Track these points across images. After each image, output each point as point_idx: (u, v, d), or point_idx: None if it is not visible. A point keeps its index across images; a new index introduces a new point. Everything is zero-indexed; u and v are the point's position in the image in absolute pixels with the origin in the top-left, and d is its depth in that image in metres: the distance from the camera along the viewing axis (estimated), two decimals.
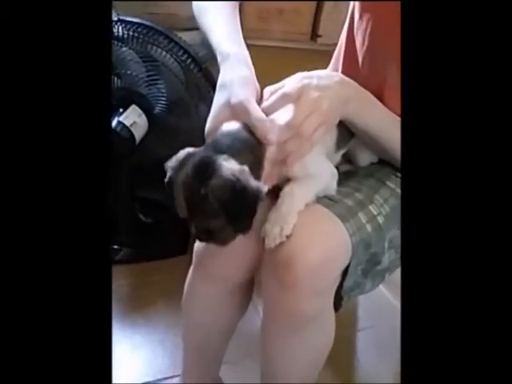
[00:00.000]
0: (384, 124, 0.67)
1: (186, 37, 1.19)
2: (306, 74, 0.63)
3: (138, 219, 1.33)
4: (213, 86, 1.13)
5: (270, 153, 0.58)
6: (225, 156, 0.52)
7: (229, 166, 0.52)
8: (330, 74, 0.65)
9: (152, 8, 1.30)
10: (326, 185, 0.64)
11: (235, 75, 0.61)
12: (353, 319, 1.25)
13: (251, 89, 0.61)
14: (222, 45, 0.66)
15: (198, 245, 0.72)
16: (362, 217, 0.64)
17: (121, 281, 1.21)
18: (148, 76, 1.10)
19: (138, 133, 1.10)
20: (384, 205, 0.67)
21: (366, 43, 0.74)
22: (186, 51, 1.09)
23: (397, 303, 1.27)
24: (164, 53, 1.08)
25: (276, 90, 0.63)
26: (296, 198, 0.60)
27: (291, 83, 0.61)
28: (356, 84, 0.66)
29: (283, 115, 0.59)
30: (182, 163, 0.54)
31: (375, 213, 0.66)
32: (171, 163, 0.56)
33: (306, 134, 0.57)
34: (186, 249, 1.30)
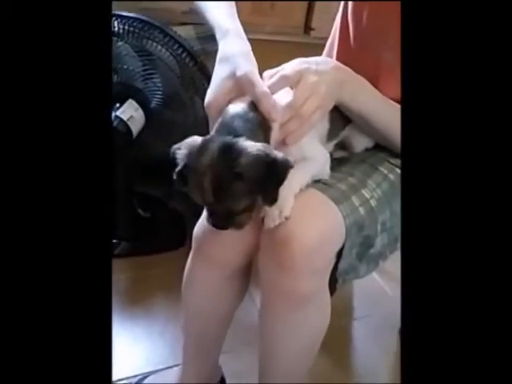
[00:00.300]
0: (379, 109, 0.69)
1: (181, 31, 1.20)
2: (304, 59, 0.65)
3: (136, 213, 1.34)
4: (208, 79, 1.14)
5: (275, 134, 0.61)
6: (243, 138, 0.55)
7: (252, 143, 0.54)
8: (327, 60, 0.68)
9: (147, 3, 1.30)
10: (321, 169, 0.67)
11: (237, 49, 0.64)
12: (348, 308, 1.27)
13: (253, 63, 0.63)
14: (221, 22, 0.68)
15: (197, 231, 0.73)
16: (355, 200, 0.66)
17: (120, 275, 1.22)
18: (144, 70, 1.11)
19: (135, 127, 1.11)
20: (376, 189, 0.70)
21: (360, 29, 0.76)
22: (181, 45, 1.10)
23: (391, 292, 1.29)
24: (159, 47, 1.08)
25: (275, 74, 0.65)
26: (293, 181, 0.61)
27: (290, 67, 0.63)
28: (350, 70, 0.68)
29: (283, 97, 0.61)
30: (201, 149, 0.55)
31: (368, 196, 0.68)
32: (183, 151, 0.56)
33: (305, 115, 0.60)
34: (183, 242, 1.31)
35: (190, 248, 0.77)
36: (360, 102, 0.68)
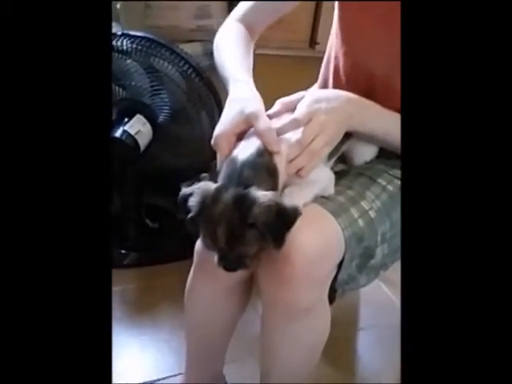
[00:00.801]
0: (387, 125, 0.71)
1: (188, 48, 1.24)
2: (317, 96, 0.68)
3: (144, 225, 1.37)
4: (214, 95, 1.18)
5: (282, 176, 0.63)
6: (254, 187, 0.58)
7: (262, 193, 0.58)
8: (338, 95, 0.70)
9: (154, 21, 1.35)
10: (324, 188, 0.69)
11: (248, 93, 0.68)
12: (354, 318, 1.27)
13: (262, 105, 0.67)
14: (235, 73, 0.72)
15: (198, 245, 0.75)
16: (353, 212, 0.68)
17: (128, 284, 1.25)
18: (151, 87, 1.14)
19: (143, 141, 1.14)
20: (375, 200, 0.72)
21: (350, 46, 0.80)
22: (187, 62, 1.13)
23: (397, 302, 1.29)
24: (166, 64, 1.12)
25: (288, 103, 0.69)
26: (296, 199, 0.64)
27: (303, 107, 0.66)
28: (359, 98, 0.71)
29: (294, 135, 0.65)
30: (215, 199, 0.58)
31: (367, 208, 0.70)
32: (196, 199, 0.58)
33: (314, 151, 0.64)
34: (190, 253, 1.33)
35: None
36: (369, 125, 0.71)
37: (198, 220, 0.59)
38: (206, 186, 0.60)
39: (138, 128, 1.12)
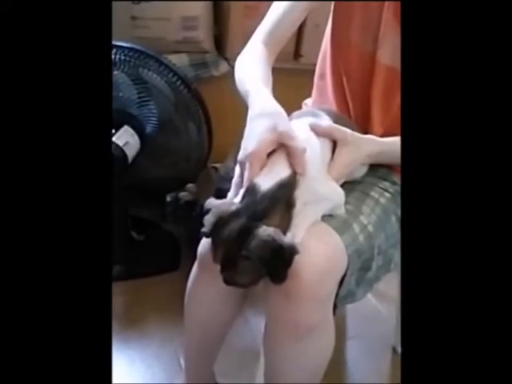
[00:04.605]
0: (389, 151, 0.74)
1: (175, 59, 1.24)
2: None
3: (130, 237, 1.36)
4: (201, 106, 1.18)
5: (298, 209, 0.63)
6: (264, 220, 0.59)
7: (264, 228, 0.59)
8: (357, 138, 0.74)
9: (140, 32, 1.35)
10: (334, 207, 0.70)
11: (275, 107, 0.67)
12: (342, 328, 1.28)
13: (289, 122, 0.67)
14: (256, 87, 0.72)
15: (202, 248, 0.76)
16: (355, 227, 0.69)
17: (114, 298, 1.22)
18: (139, 98, 1.14)
19: (131, 152, 1.13)
20: (371, 214, 0.73)
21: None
22: (175, 73, 1.14)
23: (384, 312, 1.31)
24: (154, 75, 1.12)
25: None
26: (309, 218, 0.65)
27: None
28: (370, 137, 0.76)
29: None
30: (225, 224, 0.59)
31: (365, 222, 0.71)
32: (211, 219, 0.61)
33: None
34: (177, 265, 1.32)
35: (183, 271, 0.79)
36: (381, 155, 0.75)
37: (209, 235, 0.62)
38: (223, 206, 0.61)
39: (125, 139, 1.11)
